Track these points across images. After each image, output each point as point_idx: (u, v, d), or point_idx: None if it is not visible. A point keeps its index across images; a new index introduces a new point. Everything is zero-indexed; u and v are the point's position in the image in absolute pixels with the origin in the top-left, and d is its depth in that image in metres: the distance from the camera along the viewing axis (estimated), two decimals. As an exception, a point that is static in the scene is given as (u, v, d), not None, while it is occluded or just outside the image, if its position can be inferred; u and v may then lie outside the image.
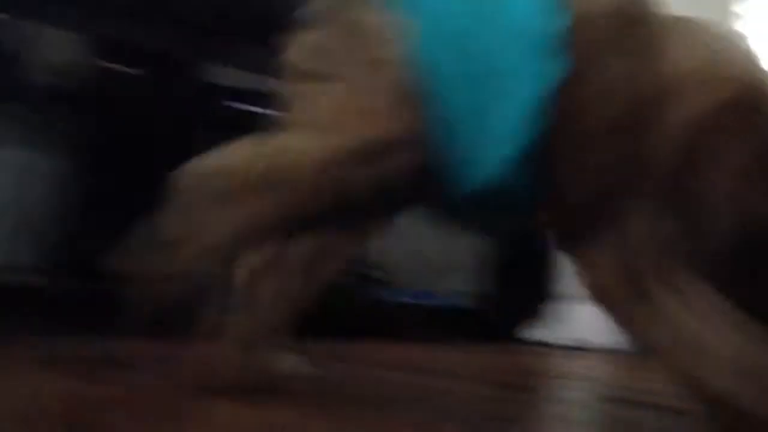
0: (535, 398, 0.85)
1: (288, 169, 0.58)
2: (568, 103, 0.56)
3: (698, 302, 0.56)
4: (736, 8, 2.37)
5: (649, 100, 0.56)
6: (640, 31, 0.57)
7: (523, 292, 1.81)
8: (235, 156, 0.60)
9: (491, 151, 0.57)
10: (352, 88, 0.59)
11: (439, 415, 0.68)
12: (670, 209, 0.57)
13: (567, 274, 1.86)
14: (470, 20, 0.58)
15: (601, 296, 0.59)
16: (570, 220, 0.59)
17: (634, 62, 0.56)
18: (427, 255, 2.25)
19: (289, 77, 0.61)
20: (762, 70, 0.58)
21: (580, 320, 1.64)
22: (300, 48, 0.61)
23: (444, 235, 2.26)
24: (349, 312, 1.54)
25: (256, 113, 1.47)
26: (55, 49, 1.25)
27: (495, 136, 0.57)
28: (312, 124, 0.59)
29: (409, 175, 0.59)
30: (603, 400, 0.88)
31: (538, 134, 0.56)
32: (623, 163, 0.57)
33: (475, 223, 0.67)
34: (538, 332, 1.68)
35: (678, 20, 0.59)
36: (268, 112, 0.64)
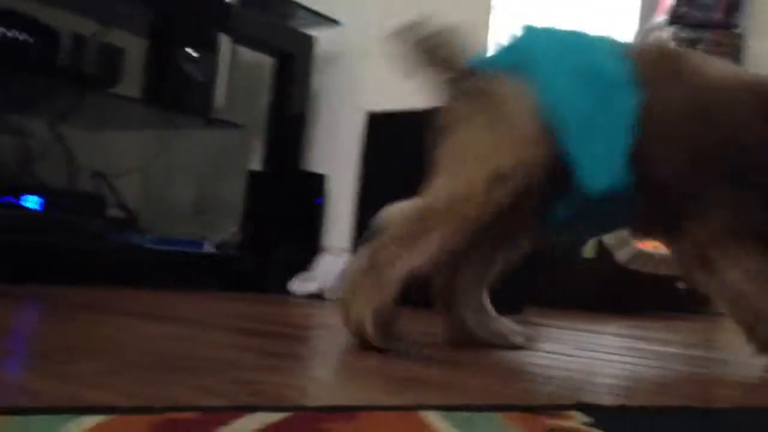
0: (292, 348, 0.85)
1: (463, 200, 0.81)
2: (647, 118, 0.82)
3: (750, 265, 0.81)
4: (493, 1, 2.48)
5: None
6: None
7: (293, 244, 1.82)
8: (420, 201, 0.83)
9: (607, 159, 0.81)
10: (503, 131, 0.82)
11: (178, 364, 0.66)
12: (727, 190, 0.82)
13: (333, 228, 1.97)
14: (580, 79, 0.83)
15: (683, 270, 0.87)
16: (658, 210, 0.85)
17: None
18: (184, 200, 2.21)
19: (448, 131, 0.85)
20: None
21: (332, 272, 1.70)
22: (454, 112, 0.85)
23: (206, 181, 2.24)
24: (92, 257, 1.48)
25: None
26: None
27: (607, 147, 0.81)
28: (478, 157, 0.82)
29: (546, 187, 0.82)
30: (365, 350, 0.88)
31: (633, 143, 0.81)
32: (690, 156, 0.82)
33: (592, 225, 0.95)
34: (299, 284, 1.73)
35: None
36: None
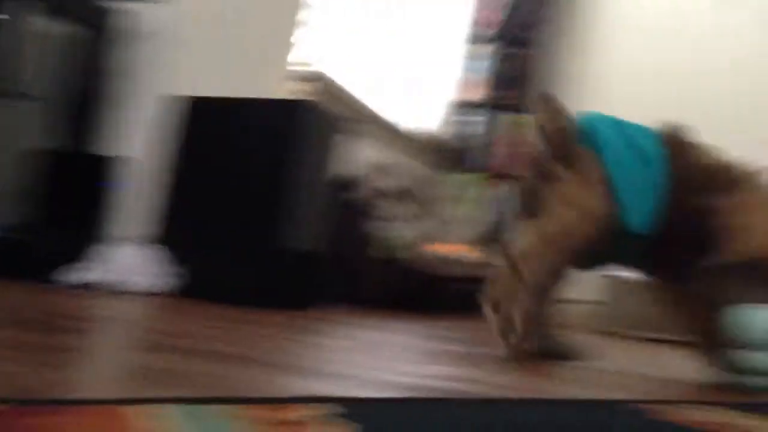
0: (66, 341, 0.80)
1: (563, 238, 1.18)
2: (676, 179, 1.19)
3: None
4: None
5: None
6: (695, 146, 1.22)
7: (70, 232, 1.75)
8: (535, 235, 1.19)
9: (645, 208, 1.17)
10: (582, 191, 1.18)
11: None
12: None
13: (113, 216, 1.91)
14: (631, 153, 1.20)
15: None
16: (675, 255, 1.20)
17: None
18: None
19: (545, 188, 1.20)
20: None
21: (120, 262, 1.65)
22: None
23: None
24: None
25: None
26: None
27: (646, 200, 1.17)
28: (569, 208, 1.18)
29: (608, 228, 1.17)
30: (139, 343, 0.87)
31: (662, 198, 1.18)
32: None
33: (630, 256, 1.23)
34: (78, 273, 1.65)
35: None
36: None
